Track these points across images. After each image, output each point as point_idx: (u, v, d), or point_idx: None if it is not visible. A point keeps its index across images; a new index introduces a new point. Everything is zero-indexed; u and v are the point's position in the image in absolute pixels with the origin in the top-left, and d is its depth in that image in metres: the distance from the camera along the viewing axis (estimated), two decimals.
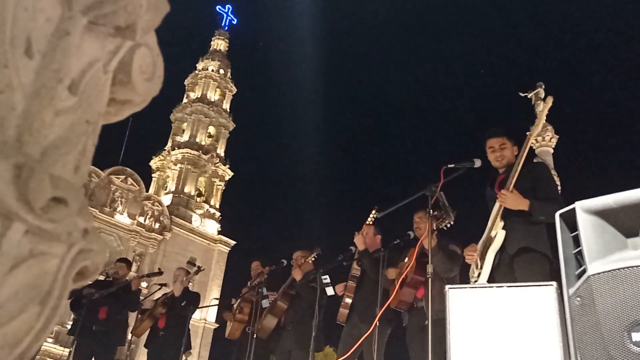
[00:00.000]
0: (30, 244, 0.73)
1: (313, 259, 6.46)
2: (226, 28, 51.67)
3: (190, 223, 45.34)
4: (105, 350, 6.37)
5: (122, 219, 42.12)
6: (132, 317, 7.35)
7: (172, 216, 44.49)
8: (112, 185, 41.98)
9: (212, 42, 52.74)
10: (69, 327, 7.04)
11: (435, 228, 4.22)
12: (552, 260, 3.91)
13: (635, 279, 3.05)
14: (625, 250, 3.29)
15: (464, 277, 4.90)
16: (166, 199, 45.88)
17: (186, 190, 46.58)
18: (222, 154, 48.74)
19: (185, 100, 50.35)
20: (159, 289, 8.00)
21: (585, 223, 3.40)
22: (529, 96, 20.35)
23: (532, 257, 3.86)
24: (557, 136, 18.91)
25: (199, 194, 47.54)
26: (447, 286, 3.56)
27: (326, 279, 5.86)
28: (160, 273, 8.72)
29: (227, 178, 48.55)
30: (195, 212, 46.11)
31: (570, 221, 3.54)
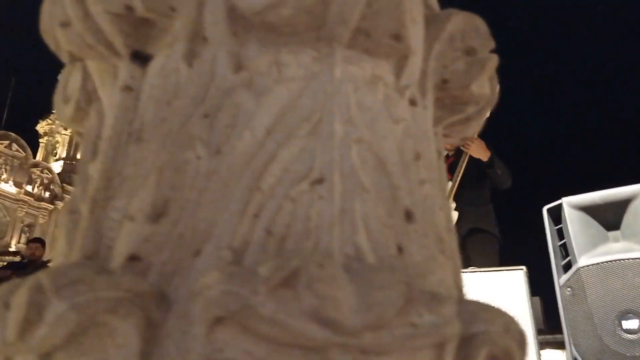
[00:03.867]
0: None
1: None
2: None
3: None
4: None
5: (7, 187, 39.08)
6: None
7: (64, 184, 41.88)
8: None
9: None
10: None
11: None
12: (500, 240, 4.27)
13: (622, 271, 3.38)
14: (608, 243, 3.64)
15: None
16: (56, 166, 43.05)
17: (79, 156, 43.89)
18: None
19: None
20: None
21: (572, 218, 3.69)
22: None
23: (482, 237, 4.21)
24: None
25: None
26: None
27: None
28: None
29: None
30: None
31: (555, 215, 3.82)
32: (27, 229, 39.11)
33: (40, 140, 45.59)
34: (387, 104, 0.71)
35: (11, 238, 38.28)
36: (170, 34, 0.71)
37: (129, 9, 0.68)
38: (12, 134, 40.45)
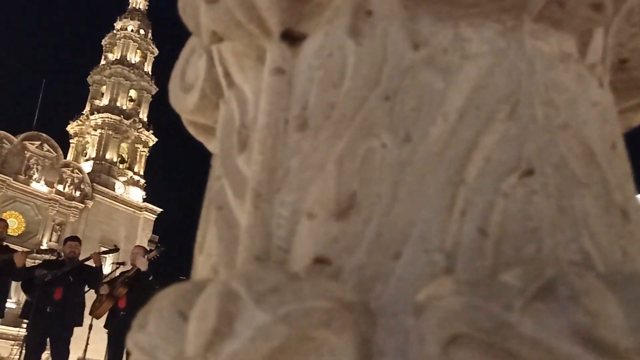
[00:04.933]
0: None
1: None
2: None
3: (114, 190, 43.54)
4: (61, 331, 6.12)
5: (39, 187, 39.73)
6: (88, 297, 7.00)
7: (94, 184, 42.50)
8: (26, 152, 39.33)
9: (130, 0, 49.80)
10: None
11: None
12: None
13: None
14: None
15: None
16: (86, 166, 43.65)
17: (108, 156, 44.53)
18: (145, 119, 46.75)
19: (103, 61, 47.54)
20: (117, 268, 7.85)
21: None
22: None
23: None
24: None
25: (122, 161, 45.59)
26: None
27: None
28: (116, 249, 8.50)
29: (150, 144, 46.76)
30: (118, 180, 44.26)
31: None
32: (58, 227, 39.72)
33: (71, 140, 46.33)
34: (582, 83, 0.61)
35: (42, 236, 38.89)
36: (329, 9, 0.63)
37: None
38: (44, 134, 41.18)
